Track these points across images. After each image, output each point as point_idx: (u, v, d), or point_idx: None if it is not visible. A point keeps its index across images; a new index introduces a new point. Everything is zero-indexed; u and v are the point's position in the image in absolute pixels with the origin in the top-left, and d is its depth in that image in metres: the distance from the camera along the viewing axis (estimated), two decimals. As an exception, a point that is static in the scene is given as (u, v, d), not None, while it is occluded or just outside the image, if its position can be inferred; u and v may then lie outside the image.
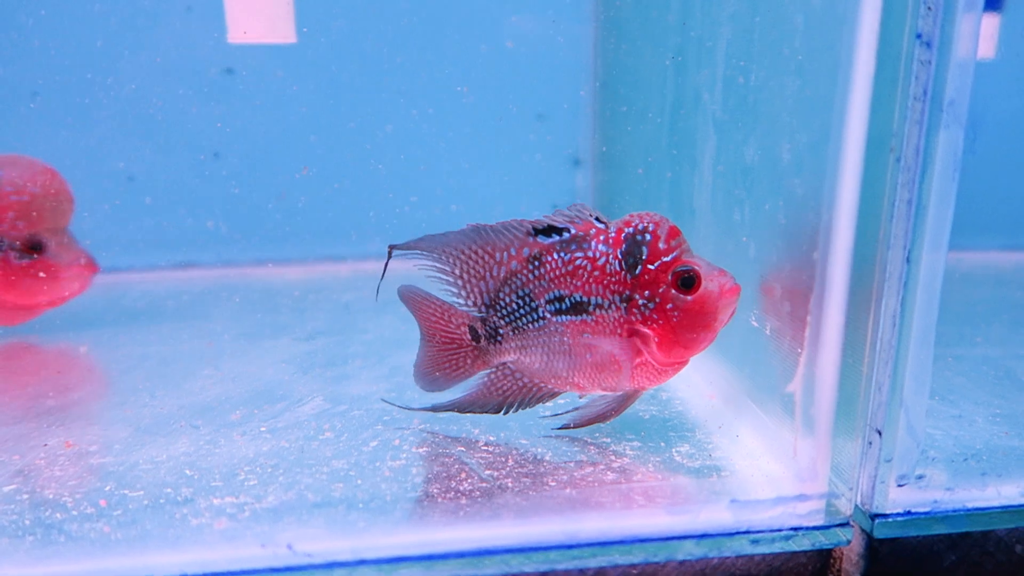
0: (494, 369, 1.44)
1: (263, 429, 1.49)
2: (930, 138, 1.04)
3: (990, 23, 2.17)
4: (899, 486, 1.19)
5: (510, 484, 1.30)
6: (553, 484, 1.30)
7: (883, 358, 1.14)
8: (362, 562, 1.08)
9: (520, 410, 1.45)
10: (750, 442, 1.39)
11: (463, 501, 1.22)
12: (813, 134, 1.14)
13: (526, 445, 1.44)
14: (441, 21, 2.49)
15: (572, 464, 1.37)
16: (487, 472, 1.34)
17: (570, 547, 1.13)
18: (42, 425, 1.52)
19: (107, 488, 1.28)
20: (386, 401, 1.59)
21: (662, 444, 1.43)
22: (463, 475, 1.32)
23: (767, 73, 1.33)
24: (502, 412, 1.45)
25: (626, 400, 1.42)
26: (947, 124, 1.03)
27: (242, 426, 1.50)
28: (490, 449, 1.43)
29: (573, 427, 1.46)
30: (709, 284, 1.25)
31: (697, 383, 1.69)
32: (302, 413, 1.57)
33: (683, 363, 1.34)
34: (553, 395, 1.45)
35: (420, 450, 1.42)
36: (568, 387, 1.41)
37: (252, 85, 2.44)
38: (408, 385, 1.66)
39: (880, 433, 1.17)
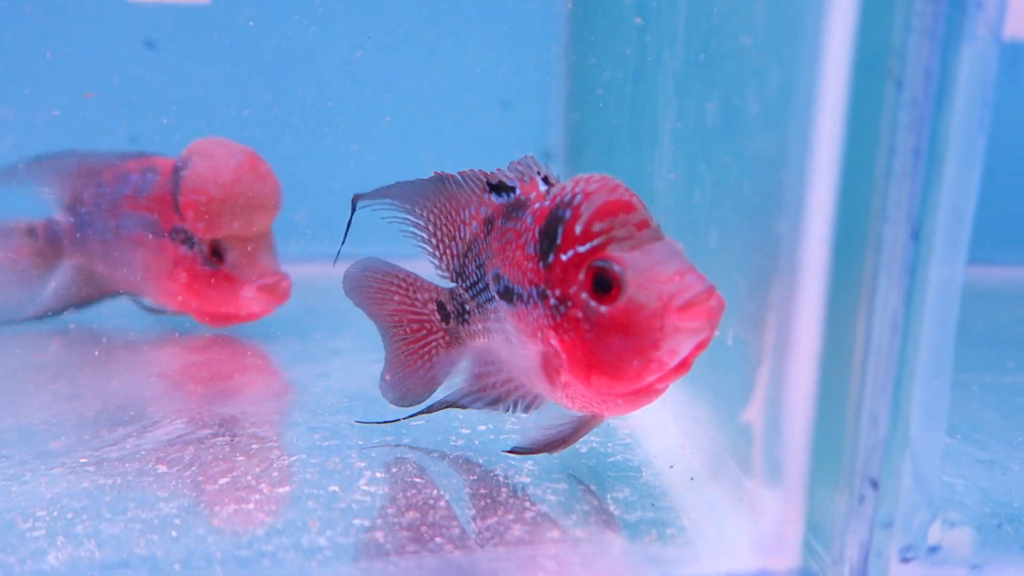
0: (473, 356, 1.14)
1: (84, 460, 1.17)
2: (948, 57, 0.71)
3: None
4: (904, 561, 0.84)
5: (379, 539, 0.97)
6: (439, 541, 0.96)
7: (880, 378, 0.79)
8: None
9: (517, 412, 1.11)
10: (708, 489, 1.04)
11: (294, 563, 0.89)
12: (784, 68, 0.81)
13: (420, 484, 1.11)
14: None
15: (472, 511, 1.04)
16: (356, 521, 1.01)
17: None
18: None
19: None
20: (361, 422, 1.27)
21: (594, 487, 1.10)
22: (316, 526, 0.99)
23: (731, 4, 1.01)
24: (503, 410, 1.12)
25: (581, 427, 1.08)
26: (974, 35, 0.70)
27: (63, 456, 1.18)
28: (370, 490, 1.10)
29: (520, 452, 1.13)
30: (639, 292, 0.86)
31: (653, 408, 1.34)
32: (149, 439, 1.25)
33: (640, 393, 0.96)
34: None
35: (281, 490, 1.09)
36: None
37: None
38: (305, 404, 1.45)
39: (875, 485, 0.82)
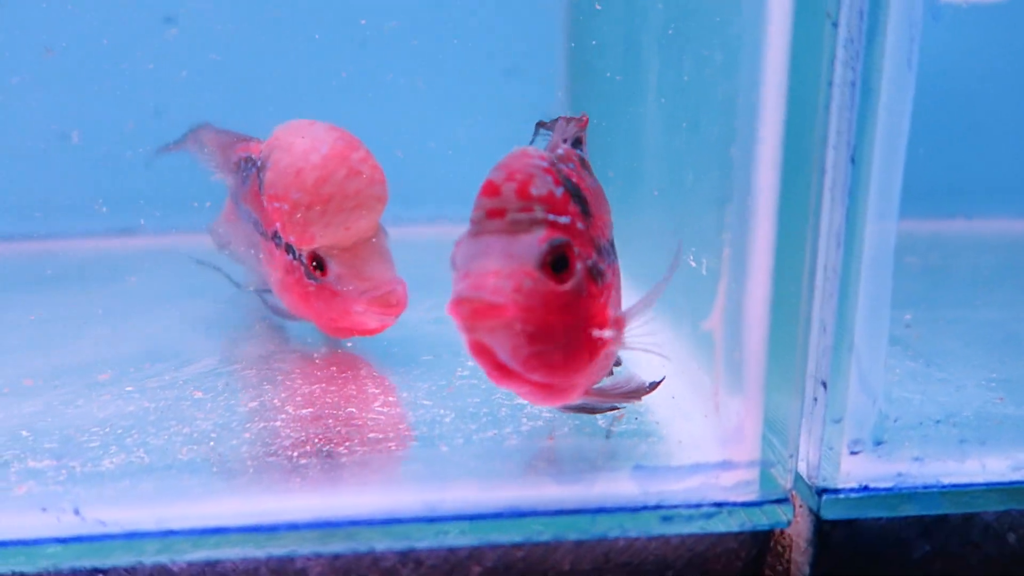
0: None
1: (129, 389, 1.30)
2: (878, -1, 0.81)
3: None
4: (852, 454, 0.95)
5: (392, 448, 1.10)
6: (445, 450, 1.09)
7: (827, 289, 0.90)
8: (169, 533, 0.88)
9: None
10: (687, 404, 1.16)
11: (317, 467, 1.02)
12: (740, 20, 0.91)
13: (428, 406, 1.23)
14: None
15: (474, 427, 1.16)
16: (371, 435, 1.14)
17: (431, 520, 0.91)
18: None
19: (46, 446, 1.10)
20: None
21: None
22: (338, 439, 1.11)
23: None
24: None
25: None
26: (900, -21, 0.80)
27: (109, 386, 1.32)
28: (385, 411, 1.23)
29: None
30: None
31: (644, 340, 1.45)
32: (185, 373, 1.38)
33: None
34: None
35: (304, 411, 1.22)
36: None
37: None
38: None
39: (825, 386, 0.93)
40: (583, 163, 1.09)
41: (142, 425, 1.17)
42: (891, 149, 0.85)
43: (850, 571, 1.00)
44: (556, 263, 0.86)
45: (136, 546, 0.88)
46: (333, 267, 1.34)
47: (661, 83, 1.32)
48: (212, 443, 1.10)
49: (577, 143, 1.13)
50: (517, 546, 0.94)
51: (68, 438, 1.13)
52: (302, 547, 0.91)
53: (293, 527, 0.89)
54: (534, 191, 0.87)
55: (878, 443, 0.96)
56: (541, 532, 0.92)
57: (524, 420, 1.17)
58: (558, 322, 0.85)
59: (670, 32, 1.28)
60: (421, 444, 1.08)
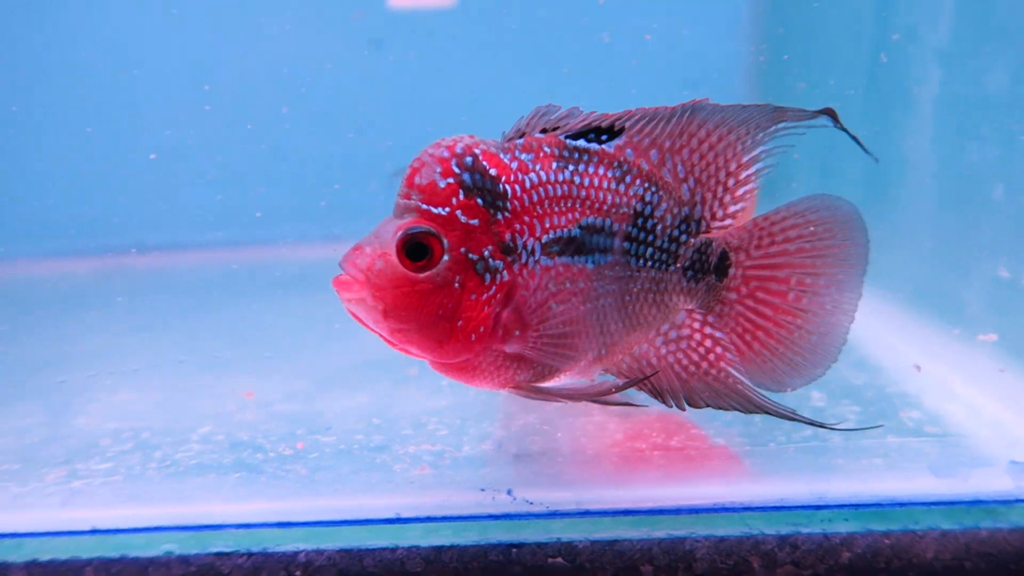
0: None
1: (444, 383, 1.41)
2: None
3: None
4: None
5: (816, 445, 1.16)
6: (782, 440, 1.16)
7: None
8: (586, 513, 0.98)
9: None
10: (991, 410, 1.21)
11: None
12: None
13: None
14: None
15: (788, 426, 1.23)
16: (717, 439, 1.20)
17: (817, 508, 0.99)
18: (220, 376, 1.49)
19: (298, 432, 1.23)
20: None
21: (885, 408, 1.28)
22: (682, 432, 1.19)
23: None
24: None
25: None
26: None
27: (419, 380, 1.44)
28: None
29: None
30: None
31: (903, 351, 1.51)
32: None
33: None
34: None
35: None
36: None
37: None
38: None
39: None
40: (571, 155, 0.99)
41: (474, 416, 1.27)
42: None
43: None
44: (412, 250, 0.92)
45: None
46: None
47: (943, 97, 1.38)
48: (559, 434, 1.20)
49: (608, 134, 1.01)
50: (888, 534, 1.01)
51: (419, 425, 1.24)
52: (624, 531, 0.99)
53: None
54: (417, 180, 0.93)
55: None
56: (917, 520, 0.99)
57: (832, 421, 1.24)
58: (410, 305, 0.92)
59: (959, 45, 1.33)
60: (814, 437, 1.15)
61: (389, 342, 0.97)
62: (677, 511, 0.99)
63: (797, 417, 1.04)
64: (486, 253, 0.94)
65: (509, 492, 0.99)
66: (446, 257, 0.93)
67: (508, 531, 0.97)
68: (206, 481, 1.08)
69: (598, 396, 1.00)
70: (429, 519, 0.98)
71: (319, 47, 2.41)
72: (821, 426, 1.06)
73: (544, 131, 0.99)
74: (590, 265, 0.97)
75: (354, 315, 0.95)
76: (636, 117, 1.00)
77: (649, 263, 1.01)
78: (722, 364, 1.04)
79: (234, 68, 2.35)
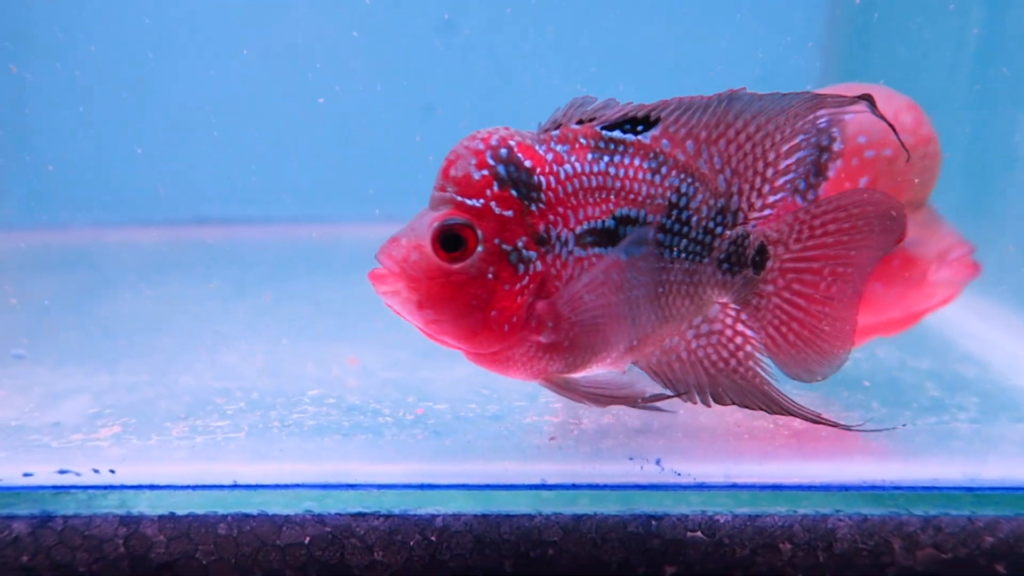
0: None
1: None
2: None
3: None
4: None
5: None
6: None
7: None
8: (733, 486, 0.96)
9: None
10: None
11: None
12: None
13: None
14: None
15: (910, 412, 1.21)
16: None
17: (969, 490, 0.97)
18: (318, 344, 1.47)
19: (409, 400, 1.21)
20: None
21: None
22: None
23: None
24: None
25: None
26: None
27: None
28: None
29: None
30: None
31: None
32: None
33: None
34: None
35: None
36: None
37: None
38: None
39: None
40: (606, 146, 0.99)
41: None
42: None
43: None
44: (446, 242, 0.93)
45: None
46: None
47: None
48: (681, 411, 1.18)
49: (643, 124, 1.00)
50: None
51: (532, 396, 1.22)
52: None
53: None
54: (452, 172, 0.94)
55: None
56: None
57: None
58: (444, 296, 0.93)
59: None
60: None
61: (425, 332, 0.98)
62: (827, 487, 0.97)
63: (821, 420, 1.03)
64: (520, 244, 0.95)
65: (658, 462, 0.97)
66: (480, 248, 0.94)
67: (652, 502, 0.95)
68: (332, 441, 1.07)
69: (625, 401, 1.01)
70: (575, 486, 0.96)
71: (395, 24, 2.39)
72: (844, 428, 1.05)
73: (580, 122, 0.99)
74: (623, 256, 0.96)
75: (391, 307, 0.96)
76: (672, 107, 0.99)
77: (683, 255, 1.00)
78: (750, 363, 1.03)
79: (308, 45, 2.33)
